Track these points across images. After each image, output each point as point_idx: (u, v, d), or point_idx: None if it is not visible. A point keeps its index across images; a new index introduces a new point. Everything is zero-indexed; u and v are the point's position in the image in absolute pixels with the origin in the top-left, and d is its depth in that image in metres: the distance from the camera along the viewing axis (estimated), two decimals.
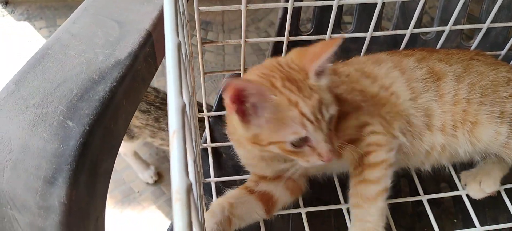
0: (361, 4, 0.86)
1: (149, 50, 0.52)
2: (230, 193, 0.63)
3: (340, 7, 0.82)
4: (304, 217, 0.65)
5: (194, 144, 0.45)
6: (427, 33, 0.88)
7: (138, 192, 1.29)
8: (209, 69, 1.45)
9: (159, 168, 1.32)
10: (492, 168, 0.70)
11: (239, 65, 0.73)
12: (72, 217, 0.37)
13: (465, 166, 0.72)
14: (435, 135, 0.63)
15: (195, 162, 0.40)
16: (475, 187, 0.69)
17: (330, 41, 0.51)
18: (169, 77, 0.31)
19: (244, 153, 0.61)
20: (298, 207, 0.66)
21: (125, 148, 1.22)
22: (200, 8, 0.62)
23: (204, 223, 0.54)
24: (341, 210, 0.66)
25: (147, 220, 1.22)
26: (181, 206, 0.27)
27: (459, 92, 0.63)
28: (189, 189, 0.28)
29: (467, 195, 0.69)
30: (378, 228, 0.56)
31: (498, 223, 0.67)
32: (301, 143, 0.49)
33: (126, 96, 0.46)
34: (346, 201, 0.67)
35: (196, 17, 0.63)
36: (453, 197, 0.72)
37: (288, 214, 0.68)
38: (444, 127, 0.63)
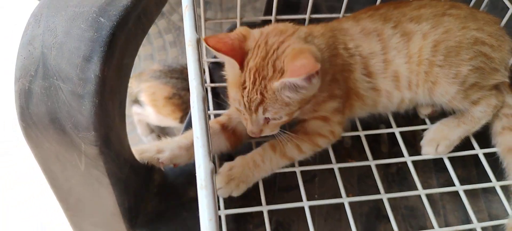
0: None
1: None
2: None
3: None
4: (298, 174, 0.69)
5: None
6: None
7: None
8: None
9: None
10: (452, 132, 0.74)
11: (247, 18, 0.84)
12: (104, 88, 0.47)
13: None
14: (403, 92, 0.71)
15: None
16: (431, 149, 0.73)
17: (308, 66, 0.54)
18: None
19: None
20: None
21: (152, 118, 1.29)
22: None
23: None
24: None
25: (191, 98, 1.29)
26: (192, 50, 0.38)
27: (422, 51, 0.67)
28: (198, 41, 0.39)
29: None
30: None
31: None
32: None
33: (143, 12, 0.56)
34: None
35: None
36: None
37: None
38: (410, 85, 0.70)
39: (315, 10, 0.96)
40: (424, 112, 0.79)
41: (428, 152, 0.73)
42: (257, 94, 0.56)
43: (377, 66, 0.69)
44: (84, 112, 0.46)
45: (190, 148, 0.64)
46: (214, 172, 0.30)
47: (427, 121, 0.80)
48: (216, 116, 0.78)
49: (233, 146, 0.71)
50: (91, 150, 0.48)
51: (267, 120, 0.61)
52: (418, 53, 0.68)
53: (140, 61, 1.62)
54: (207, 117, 0.33)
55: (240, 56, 0.57)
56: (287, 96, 0.57)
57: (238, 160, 0.65)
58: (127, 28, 0.51)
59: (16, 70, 0.48)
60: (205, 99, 0.34)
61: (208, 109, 0.82)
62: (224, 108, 0.83)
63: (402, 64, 0.69)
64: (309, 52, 0.55)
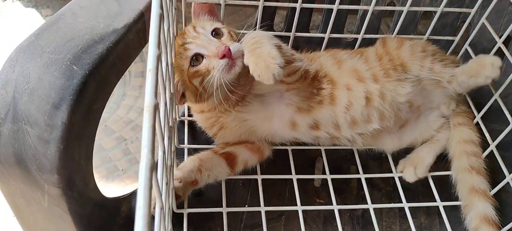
0: (327, 9, 1.00)
1: (141, 26, 0.65)
2: (199, 153, 0.76)
3: (309, 10, 0.96)
4: (259, 182, 0.78)
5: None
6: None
7: (122, 170, 1.41)
8: None
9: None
10: (426, 156, 0.81)
11: None
12: (70, 135, 0.49)
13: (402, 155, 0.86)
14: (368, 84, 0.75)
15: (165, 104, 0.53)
16: (410, 171, 0.80)
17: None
18: (151, 33, 0.44)
19: (202, 119, 0.77)
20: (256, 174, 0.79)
21: None
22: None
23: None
24: (292, 180, 0.79)
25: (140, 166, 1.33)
26: (149, 116, 0.40)
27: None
28: (156, 107, 0.41)
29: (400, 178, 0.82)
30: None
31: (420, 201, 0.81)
32: (197, 62, 0.65)
33: (119, 57, 0.59)
34: (297, 173, 0.80)
35: (182, 7, 0.77)
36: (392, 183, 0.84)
37: (249, 182, 0.81)
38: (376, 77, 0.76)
39: (295, 50, 1.00)
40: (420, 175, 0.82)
41: (408, 177, 0.79)
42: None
43: None
44: (48, 157, 0.48)
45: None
46: None
47: (393, 168, 0.83)
48: (193, 150, 0.81)
49: (232, 166, 0.75)
50: (54, 190, 0.50)
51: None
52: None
53: (131, 77, 1.65)
54: (151, 190, 0.35)
55: None
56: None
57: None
58: (100, 75, 0.54)
59: None
60: (153, 169, 0.36)
61: (183, 143, 0.84)
62: (198, 142, 0.86)
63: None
64: None
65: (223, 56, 0.62)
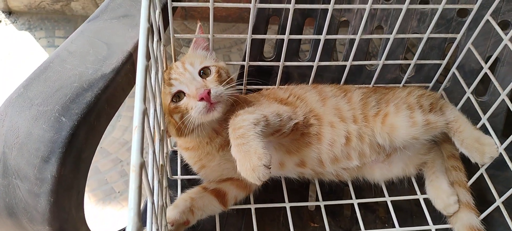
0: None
1: (130, 67, 0.66)
2: (190, 190, 0.77)
3: (298, 38, 0.97)
4: (253, 211, 0.79)
5: (159, 143, 0.59)
6: (371, 65, 1.04)
7: (119, 192, 1.41)
8: None
9: None
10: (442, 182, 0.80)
11: None
12: (60, 187, 0.50)
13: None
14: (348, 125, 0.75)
15: (154, 153, 0.53)
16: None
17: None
18: (137, 87, 0.45)
19: (187, 156, 0.77)
20: (249, 204, 0.80)
21: None
22: (175, 35, 0.77)
23: (166, 207, 0.67)
24: (285, 208, 0.80)
25: (126, 218, 1.33)
26: (135, 176, 0.41)
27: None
28: (142, 165, 0.42)
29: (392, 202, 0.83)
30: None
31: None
32: (179, 98, 0.66)
33: (108, 102, 0.60)
34: (290, 201, 0.81)
35: (171, 42, 0.78)
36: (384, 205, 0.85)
37: (242, 210, 0.82)
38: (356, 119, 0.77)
39: (286, 77, 1.01)
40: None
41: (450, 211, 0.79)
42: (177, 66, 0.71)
43: None
44: (39, 209, 0.49)
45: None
46: None
47: (386, 192, 0.84)
48: (188, 183, 0.81)
49: (223, 203, 0.76)
50: None
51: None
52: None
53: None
54: None
55: None
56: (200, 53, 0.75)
57: None
58: (89, 123, 0.54)
59: None
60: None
61: (176, 175, 0.85)
62: (193, 173, 0.86)
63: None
64: None
65: (202, 99, 0.63)
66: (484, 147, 0.74)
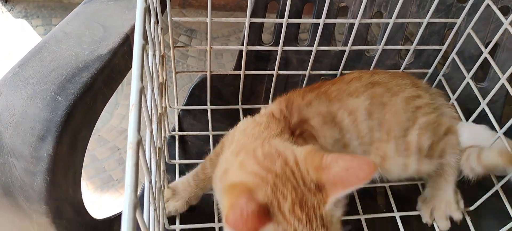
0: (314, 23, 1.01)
1: (127, 49, 0.65)
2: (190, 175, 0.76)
3: (297, 24, 0.97)
4: None
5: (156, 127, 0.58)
6: (370, 50, 1.03)
7: (117, 180, 1.41)
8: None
9: None
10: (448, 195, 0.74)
11: (217, 70, 0.89)
12: (56, 166, 0.50)
13: None
14: None
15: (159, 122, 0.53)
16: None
17: (365, 169, 0.43)
18: (134, 66, 0.44)
19: None
20: None
21: None
22: (173, 18, 0.76)
23: (163, 189, 0.67)
24: None
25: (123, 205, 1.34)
26: (132, 153, 0.40)
27: (373, 132, 0.67)
28: (139, 142, 0.41)
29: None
30: None
31: None
32: None
33: (104, 83, 0.59)
34: None
35: (169, 26, 0.77)
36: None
37: None
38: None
39: (285, 62, 1.00)
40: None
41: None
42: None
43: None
44: (35, 188, 0.49)
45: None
46: None
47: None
48: (185, 166, 0.81)
49: None
50: (43, 220, 0.51)
51: None
52: (370, 133, 0.68)
53: (123, 86, 1.65)
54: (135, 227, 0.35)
55: (267, 216, 0.43)
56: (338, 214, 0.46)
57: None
58: (85, 103, 0.54)
59: None
60: (136, 208, 0.36)
61: (174, 159, 0.85)
62: (191, 158, 0.86)
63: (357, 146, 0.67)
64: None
65: None
66: (446, 213, 0.73)
